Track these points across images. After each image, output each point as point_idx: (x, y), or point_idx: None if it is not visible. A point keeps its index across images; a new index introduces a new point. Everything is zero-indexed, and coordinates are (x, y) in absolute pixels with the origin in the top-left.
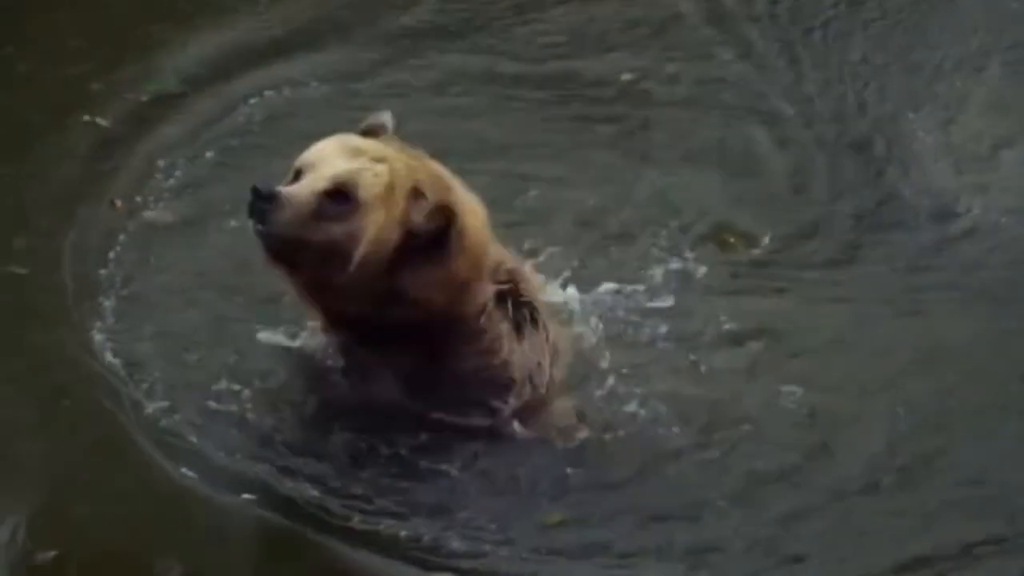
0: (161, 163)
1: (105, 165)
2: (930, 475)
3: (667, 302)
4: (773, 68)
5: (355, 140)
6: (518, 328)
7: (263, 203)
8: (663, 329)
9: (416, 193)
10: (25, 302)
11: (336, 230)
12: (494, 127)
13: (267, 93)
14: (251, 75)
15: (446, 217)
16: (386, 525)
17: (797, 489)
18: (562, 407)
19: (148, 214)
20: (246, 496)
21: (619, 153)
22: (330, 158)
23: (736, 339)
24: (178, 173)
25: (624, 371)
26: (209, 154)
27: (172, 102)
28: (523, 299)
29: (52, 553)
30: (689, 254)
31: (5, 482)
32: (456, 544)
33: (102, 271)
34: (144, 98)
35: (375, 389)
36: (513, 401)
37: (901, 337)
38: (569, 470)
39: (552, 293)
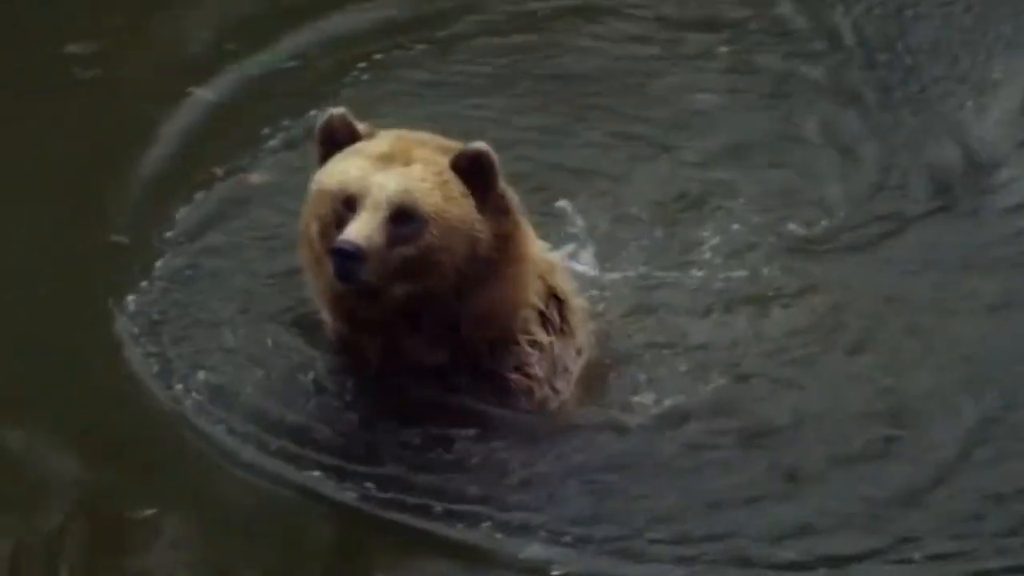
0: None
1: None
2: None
3: (730, 277)
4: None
5: (371, 147)
6: (549, 331)
7: (353, 262)
8: (725, 305)
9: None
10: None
11: (410, 250)
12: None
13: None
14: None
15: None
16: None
17: (882, 466)
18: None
19: (245, 176)
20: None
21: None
22: (372, 179)
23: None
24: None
25: (678, 352)
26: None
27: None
28: (558, 300)
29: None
30: (746, 233)
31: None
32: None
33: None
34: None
35: (402, 386)
36: (532, 404)
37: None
38: (615, 455)
39: (587, 270)
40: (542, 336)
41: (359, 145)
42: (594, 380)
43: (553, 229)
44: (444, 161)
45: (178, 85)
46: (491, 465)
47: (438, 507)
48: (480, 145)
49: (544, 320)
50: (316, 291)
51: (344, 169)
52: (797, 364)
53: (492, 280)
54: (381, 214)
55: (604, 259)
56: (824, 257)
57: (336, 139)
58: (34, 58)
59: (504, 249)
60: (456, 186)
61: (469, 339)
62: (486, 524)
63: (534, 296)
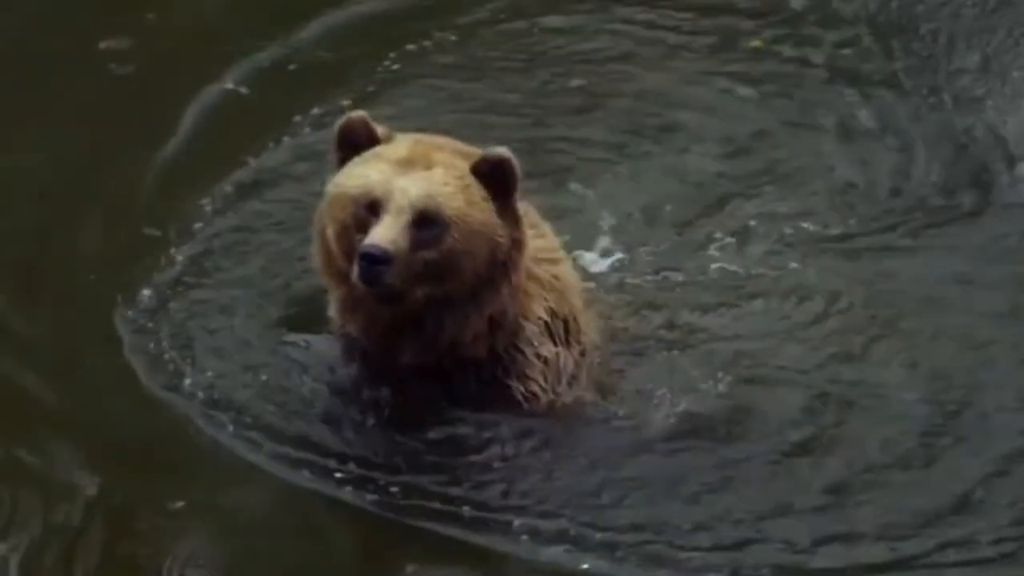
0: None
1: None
2: None
3: (759, 270)
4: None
5: (390, 152)
6: (556, 342)
7: (379, 266)
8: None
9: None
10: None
11: (432, 254)
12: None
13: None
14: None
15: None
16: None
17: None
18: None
19: None
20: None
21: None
22: (395, 184)
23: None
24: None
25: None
26: None
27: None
28: (565, 313)
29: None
30: (768, 226)
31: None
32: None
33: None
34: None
35: (410, 390)
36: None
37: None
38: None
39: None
40: (547, 348)
41: (378, 149)
42: (611, 380)
43: (573, 220)
44: (464, 165)
45: (207, 76)
46: (513, 467)
47: (459, 509)
48: (502, 151)
49: (550, 331)
50: (331, 292)
51: (365, 173)
52: (832, 365)
53: (506, 284)
54: (405, 218)
55: (624, 251)
56: (853, 253)
57: (354, 142)
58: (67, 52)
59: (519, 254)
60: (477, 190)
61: (473, 345)
62: (509, 527)
63: (540, 308)
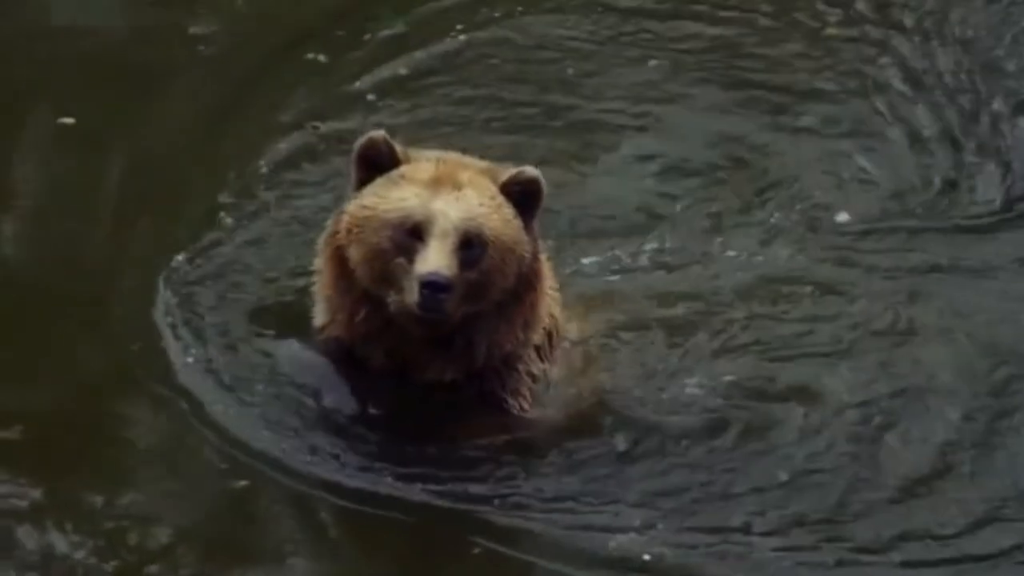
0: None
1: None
2: None
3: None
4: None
5: (418, 173)
6: (543, 359)
7: (444, 293)
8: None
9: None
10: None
11: (474, 274)
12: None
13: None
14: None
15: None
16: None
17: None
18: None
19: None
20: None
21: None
22: (434, 207)
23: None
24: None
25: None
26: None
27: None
28: (550, 329)
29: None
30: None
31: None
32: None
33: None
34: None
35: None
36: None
37: None
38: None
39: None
40: (536, 366)
41: (403, 170)
42: (632, 371)
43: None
44: (491, 184)
45: (294, 57)
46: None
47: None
48: (533, 171)
49: (539, 351)
50: (335, 311)
51: (401, 196)
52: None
53: (530, 295)
54: (451, 241)
55: (659, 239)
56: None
57: (375, 161)
58: (160, 36)
59: (539, 265)
60: (508, 209)
61: (489, 358)
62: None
63: (541, 325)
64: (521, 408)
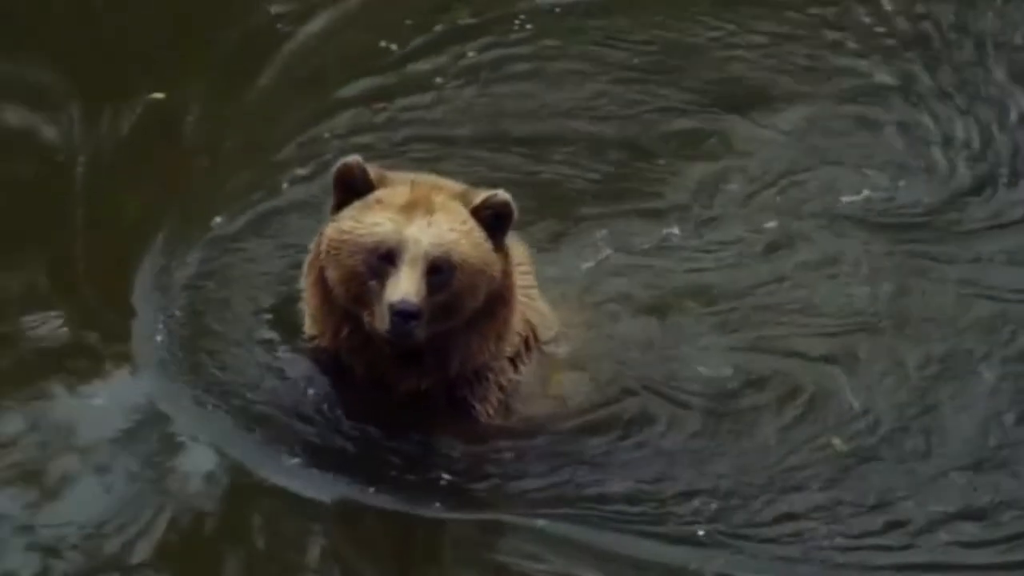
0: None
1: None
2: None
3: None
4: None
5: (393, 197)
6: (518, 367)
7: (414, 320)
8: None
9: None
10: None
11: (442, 297)
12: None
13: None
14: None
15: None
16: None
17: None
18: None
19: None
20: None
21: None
22: (407, 233)
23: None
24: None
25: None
26: None
27: None
28: (534, 339)
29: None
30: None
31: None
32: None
33: None
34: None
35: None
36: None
37: None
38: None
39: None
40: (506, 376)
41: (379, 194)
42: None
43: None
44: (462, 208)
45: (364, 41)
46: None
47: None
48: (503, 195)
49: (513, 360)
50: (321, 326)
51: (374, 221)
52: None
53: (501, 309)
54: (420, 267)
55: (677, 227)
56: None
57: (351, 185)
58: (243, 18)
59: (509, 282)
60: (478, 232)
61: (462, 369)
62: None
63: (514, 337)
64: (488, 415)
